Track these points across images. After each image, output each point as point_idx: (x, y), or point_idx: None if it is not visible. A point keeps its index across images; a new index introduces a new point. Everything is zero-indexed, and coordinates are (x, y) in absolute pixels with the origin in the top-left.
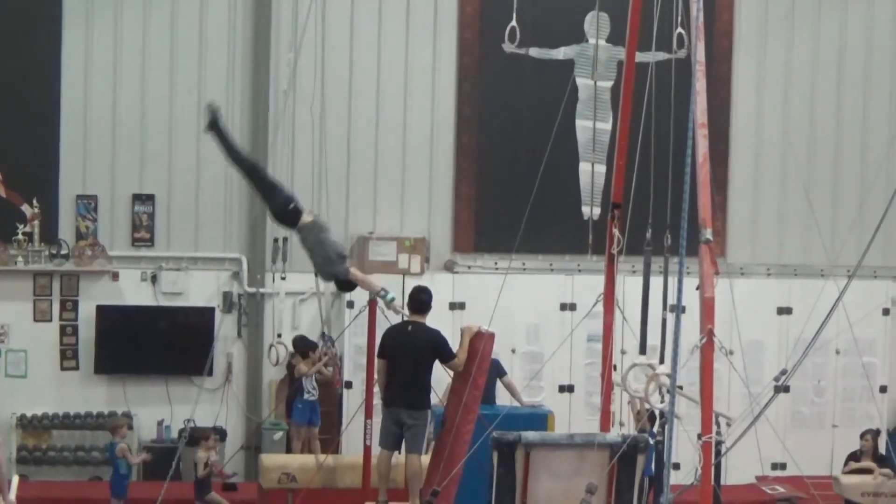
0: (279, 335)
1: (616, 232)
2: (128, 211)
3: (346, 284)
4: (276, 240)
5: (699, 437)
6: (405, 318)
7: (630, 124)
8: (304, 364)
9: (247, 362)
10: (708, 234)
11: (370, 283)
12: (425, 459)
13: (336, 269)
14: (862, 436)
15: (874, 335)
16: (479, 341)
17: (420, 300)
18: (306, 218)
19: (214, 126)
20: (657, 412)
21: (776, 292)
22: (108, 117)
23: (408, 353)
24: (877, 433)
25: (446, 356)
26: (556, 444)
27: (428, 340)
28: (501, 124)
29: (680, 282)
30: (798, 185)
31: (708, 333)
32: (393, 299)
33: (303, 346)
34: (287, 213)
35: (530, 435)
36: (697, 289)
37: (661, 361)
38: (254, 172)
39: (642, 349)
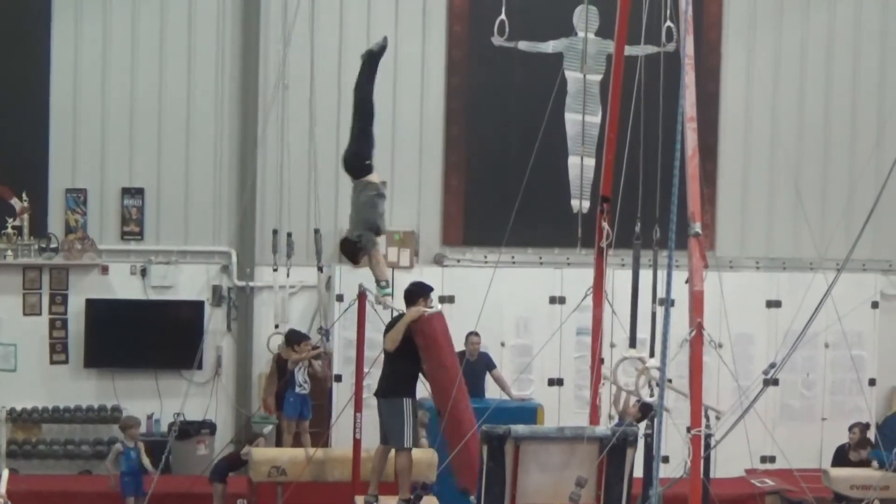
0: (276, 326)
1: (605, 225)
2: (117, 204)
3: (353, 253)
4: (275, 231)
5: (688, 430)
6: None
7: (619, 118)
8: (294, 354)
9: (236, 356)
10: (697, 227)
11: (381, 269)
12: (417, 453)
13: (364, 235)
14: (850, 429)
15: (863, 328)
16: (431, 323)
17: (405, 291)
18: (374, 178)
19: (375, 56)
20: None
21: (765, 285)
22: (98, 111)
23: (384, 342)
24: (865, 426)
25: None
26: (545, 437)
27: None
28: (490, 118)
29: (669, 275)
30: (787, 178)
31: (697, 327)
32: (388, 294)
33: (293, 338)
34: (360, 165)
35: (520, 428)
36: (687, 282)
37: (651, 355)
38: (365, 114)
39: (632, 343)
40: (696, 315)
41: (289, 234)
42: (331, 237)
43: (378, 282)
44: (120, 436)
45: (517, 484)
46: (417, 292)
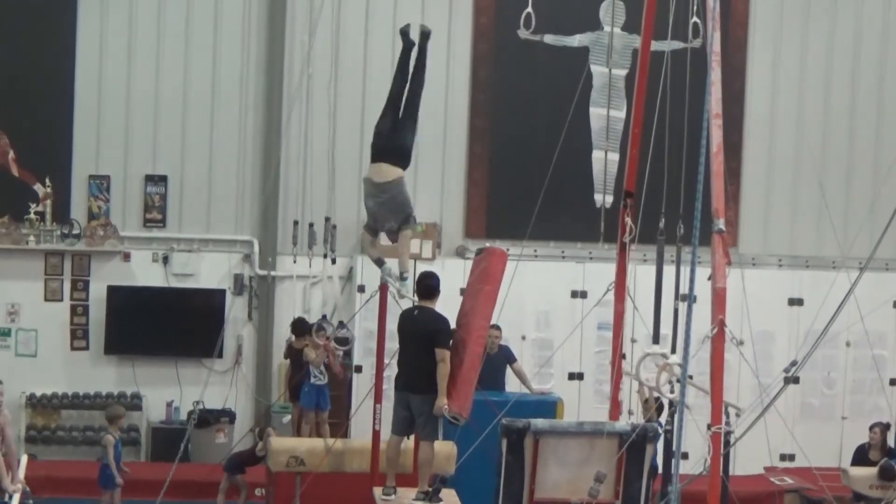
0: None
1: (628, 220)
2: (140, 192)
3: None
4: (296, 222)
5: (709, 427)
6: (414, 304)
7: (644, 113)
8: (309, 350)
9: (257, 345)
10: (721, 224)
11: (406, 261)
12: (437, 445)
13: (393, 222)
14: (871, 428)
15: (885, 328)
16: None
17: (426, 286)
18: (401, 173)
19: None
20: (666, 402)
21: (787, 283)
22: (122, 97)
23: (413, 338)
24: (886, 426)
25: (437, 341)
26: (565, 431)
27: (428, 324)
28: (515, 111)
29: (692, 272)
30: (811, 176)
31: (719, 324)
32: (404, 285)
33: (302, 329)
34: (407, 155)
35: (539, 422)
36: (709, 279)
37: (673, 351)
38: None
39: (655, 339)
40: (719, 312)
41: (310, 225)
42: (353, 228)
43: (402, 273)
44: (107, 427)
45: (536, 478)
46: (439, 287)
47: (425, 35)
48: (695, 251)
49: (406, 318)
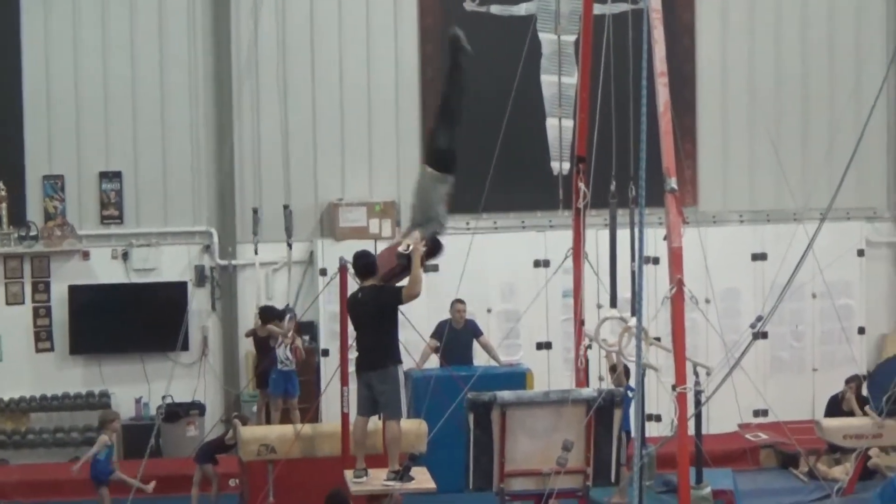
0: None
1: (582, 186)
2: (95, 189)
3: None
4: (255, 210)
5: (674, 388)
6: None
7: (594, 77)
8: (277, 328)
9: (222, 335)
10: (672, 183)
11: (416, 280)
12: (405, 424)
13: (428, 226)
14: (847, 382)
15: (850, 277)
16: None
17: (363, 265)
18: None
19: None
20: (632, 366)
21: (750, 238)
22: (71, 96)
23: (363, 317)
24: (859, 383)
25: (394, 296)
26: (531, 402)
27: (374, 298)
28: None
29: (641, 231)
30: (767, 130)
31: (677, 283)
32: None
33: (269, 315)
34: (450, 159)
35: (505, 394)
36: (665, 238)
37: (633, 314)
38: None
39: (612, 302)
40: (676, 271)
41: (285, 206)
42: (311, 212)
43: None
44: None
45: (505, 451)
46: (376, 264)
47: (453, 39)
48: (642, 211)
49: (353, 302)
